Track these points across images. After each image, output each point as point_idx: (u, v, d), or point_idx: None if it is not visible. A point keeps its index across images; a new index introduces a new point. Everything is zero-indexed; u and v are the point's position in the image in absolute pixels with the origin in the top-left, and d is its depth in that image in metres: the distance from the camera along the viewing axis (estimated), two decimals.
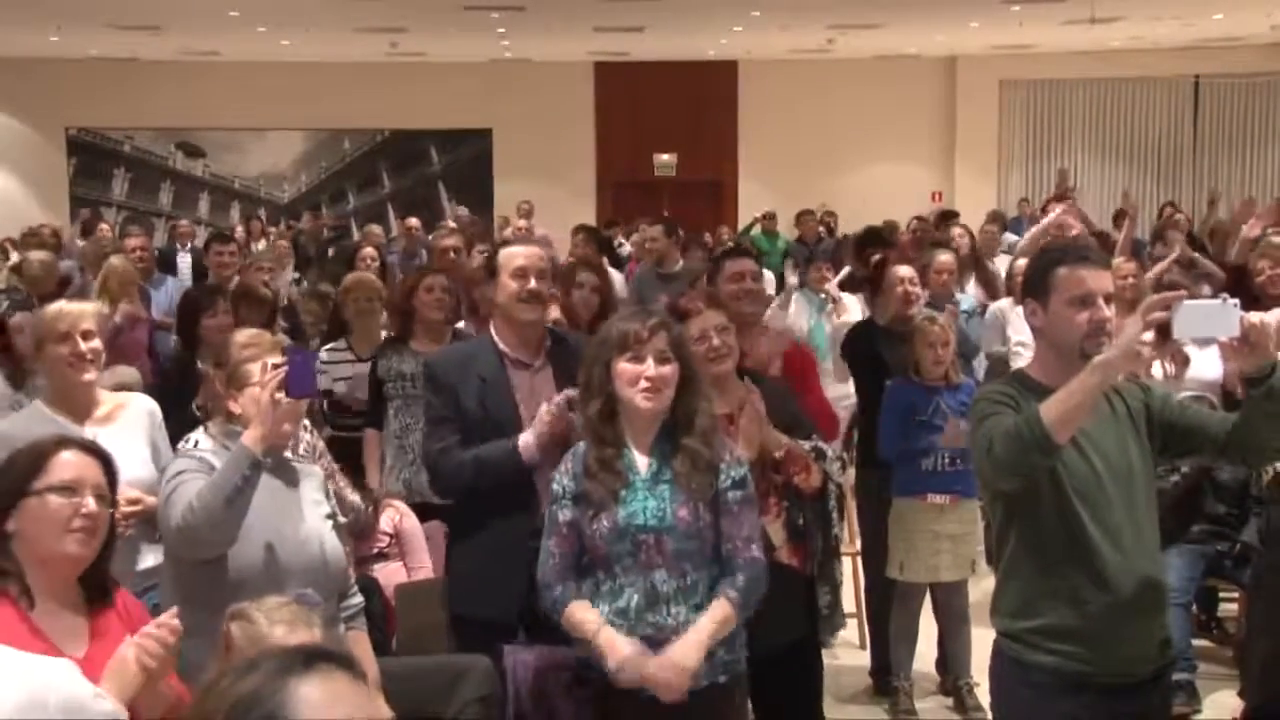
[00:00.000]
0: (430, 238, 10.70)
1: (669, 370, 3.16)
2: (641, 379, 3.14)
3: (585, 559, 3.20)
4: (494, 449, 3.70)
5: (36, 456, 2.66)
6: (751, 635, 3.73)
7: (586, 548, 3.17)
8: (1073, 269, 3.00)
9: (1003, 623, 3.13)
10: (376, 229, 13.35)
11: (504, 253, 3.97)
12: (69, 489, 2.61)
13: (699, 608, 3.14)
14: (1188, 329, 2.77)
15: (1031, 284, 3.11)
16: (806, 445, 3.85)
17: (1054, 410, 2.82)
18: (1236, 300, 2.78)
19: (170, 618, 2.52)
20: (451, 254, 7.35)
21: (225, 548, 3.09)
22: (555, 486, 3.24)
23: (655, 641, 3.10)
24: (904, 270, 5.60)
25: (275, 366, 3.13)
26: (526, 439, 3.66)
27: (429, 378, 3.96)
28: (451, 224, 12.31)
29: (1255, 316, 2.77)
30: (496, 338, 3.94)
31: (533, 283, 3.87)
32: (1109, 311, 2.99)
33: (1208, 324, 2.76)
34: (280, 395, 3.07)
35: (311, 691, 1.48)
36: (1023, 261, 7.24)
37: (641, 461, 3.19)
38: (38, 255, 7.99)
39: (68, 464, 2.65)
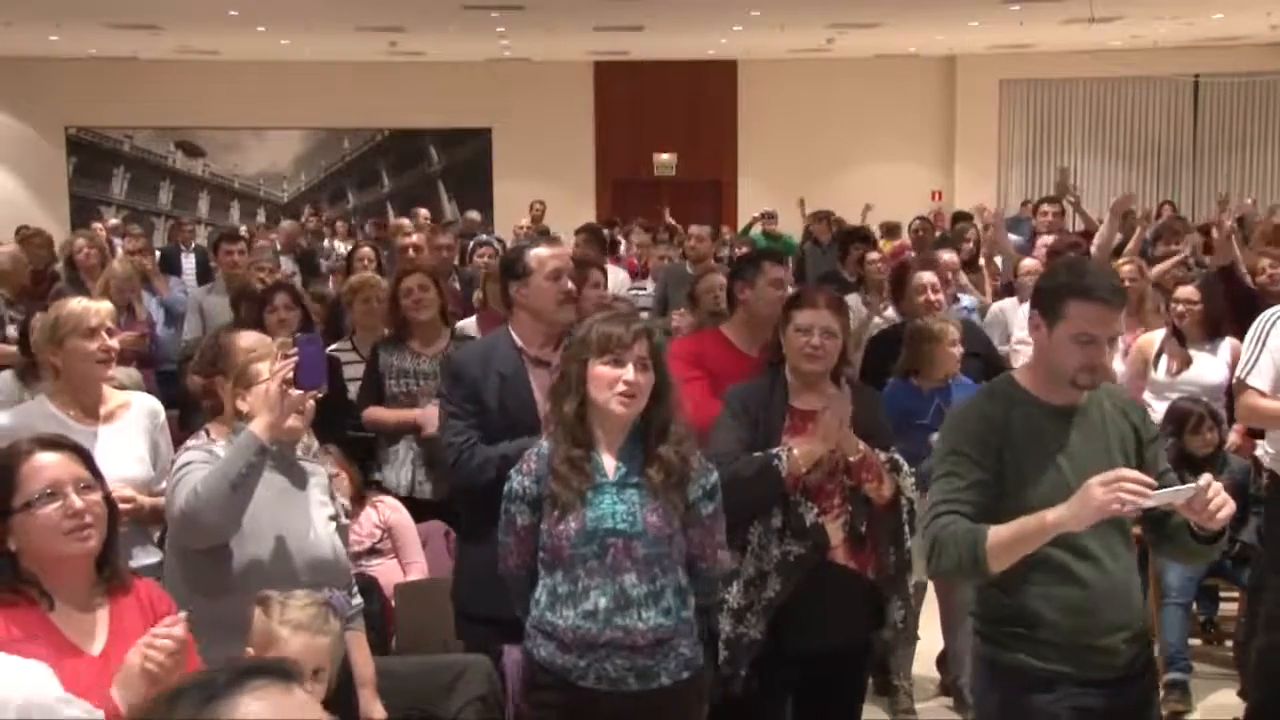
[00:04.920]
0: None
1: (646, 378, 3.13)
2: (620, 383, 3.11)
3: (543, 557, 3.17)
4: (519, 447, 3.66)
5: (6, 472, 2.59)
6: (805, 632, 3.75)
7: (549, 549, 3.14)
8: (1084, 304, 2.96)
9: (978, 623, 3.17)
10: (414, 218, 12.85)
11: (534, 255, 3.96)
12: (50, 495, 2.56)
13: (668, 612, 3.15)
14: (1156, 503, 2.80)
15: (1042, 300, 3.08)
16: (884, 456, 3.83)
17: (998, 549, 2.88)
18: (1208, 483, 2.79)
19: (175, 622, 2.50)
20: (411, 251, 7.38)
21: (228, 535, 3.08)
22: (515, 485, 3.20)
23: (624, 645, 3.10)
24: (927, 276, 5.55)
25: (286, 356, 3.12)
26: None
27: (451, 373, 3.99)
28: (405, 221, 12.01)
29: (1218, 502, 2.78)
30: (516, 336, 3.95)
31: (569, 284, 3.90)
32: (1108, 354, 3.02)
33: (1173, 499, 2.82)
34: (289, 386, 3.05)
35: (243, 715, 1.45)
36: (1029, 262, 7.28)
37: (609, 464, 3.17)
38: (7, 249, 7.97)
39: (40, 469, 2.59)
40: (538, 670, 3.18)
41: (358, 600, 3.46)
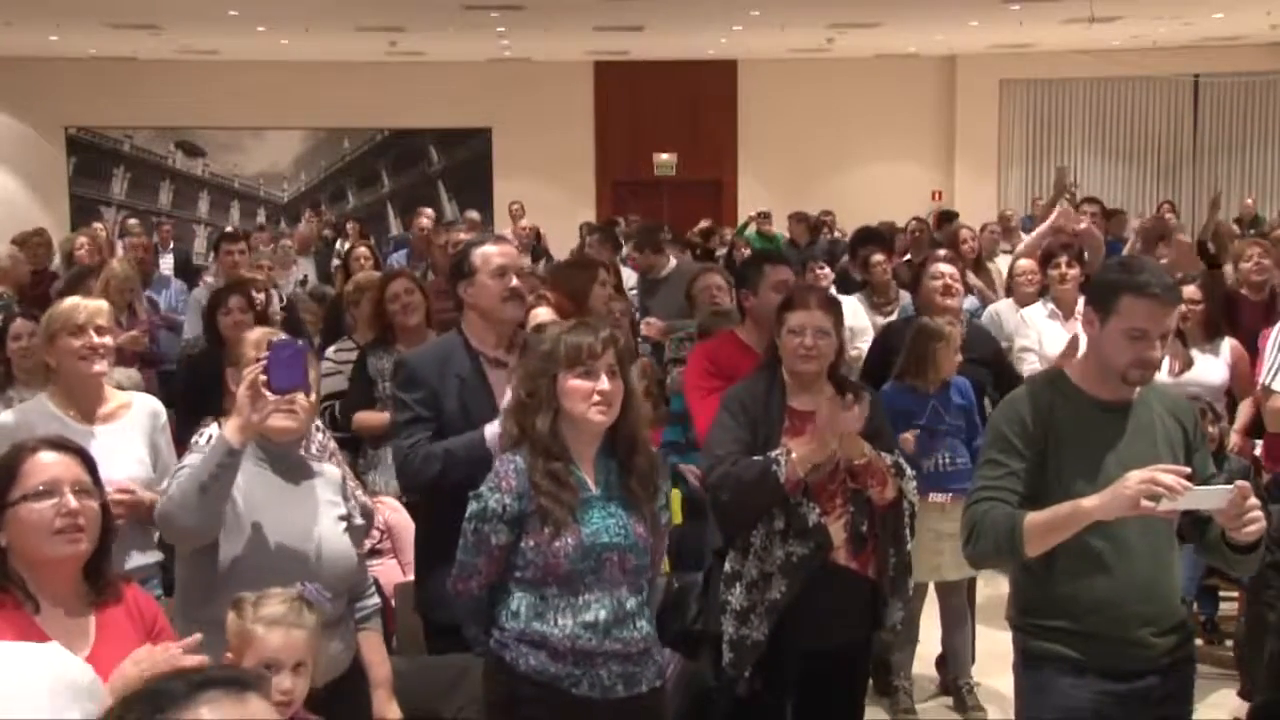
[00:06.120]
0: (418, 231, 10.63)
1: (617, 386, 3.13)
2: (594, 394, 3.09)
3: (522, 574, 3.12)
4: (460, 441, 3.68)
5: (8, 467, 2.62)
6: (804, 632, 3.77)
7: (538, 565, 3.08)
8: (1138, 300, 3.00)
9: (1014, 615, 3.23)
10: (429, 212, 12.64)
11: (479, 253, 3.91)
12: (46, 492, 2.58)
13: (650, 621, 3.19)
14: (1190, 503, 2.84)
15: (1096, 295, 3.13)
16: (888, 459, 3.84)
17: (1034, 533, 2.95)
18: (1243, 490, 2.82)
19: (191, 643, 2.51)
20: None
21: (205, 537, 3.06)
22: (490, 503, 3.10)
23: (623, 656, 3.10)
24: (945, 267, 5.52)
25: (257, 359, 3.12)
26: (495, 430, 3.57)
27: (406, 377, 3.90)
28: (426, 221, 11.94)
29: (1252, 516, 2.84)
30: (470, 336, 3.91)
31: (514, 281, 3.87)
32: (1160, 351, 3.04)
33: (1206, 499, 2.86)
34: (263, 388, 3.01)
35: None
36: (1024, 262, 7.27)
37: (589, 478, 3.16)
38: (7, 249, 8.00)
39: (41, 467, 2.61)
40: (521, 683, 3.11)
41: (374, 600, 3.44)
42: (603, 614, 3.08)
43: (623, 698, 3.12)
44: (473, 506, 3.14)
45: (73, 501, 2.59)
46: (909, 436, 4.87)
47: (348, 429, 5.43)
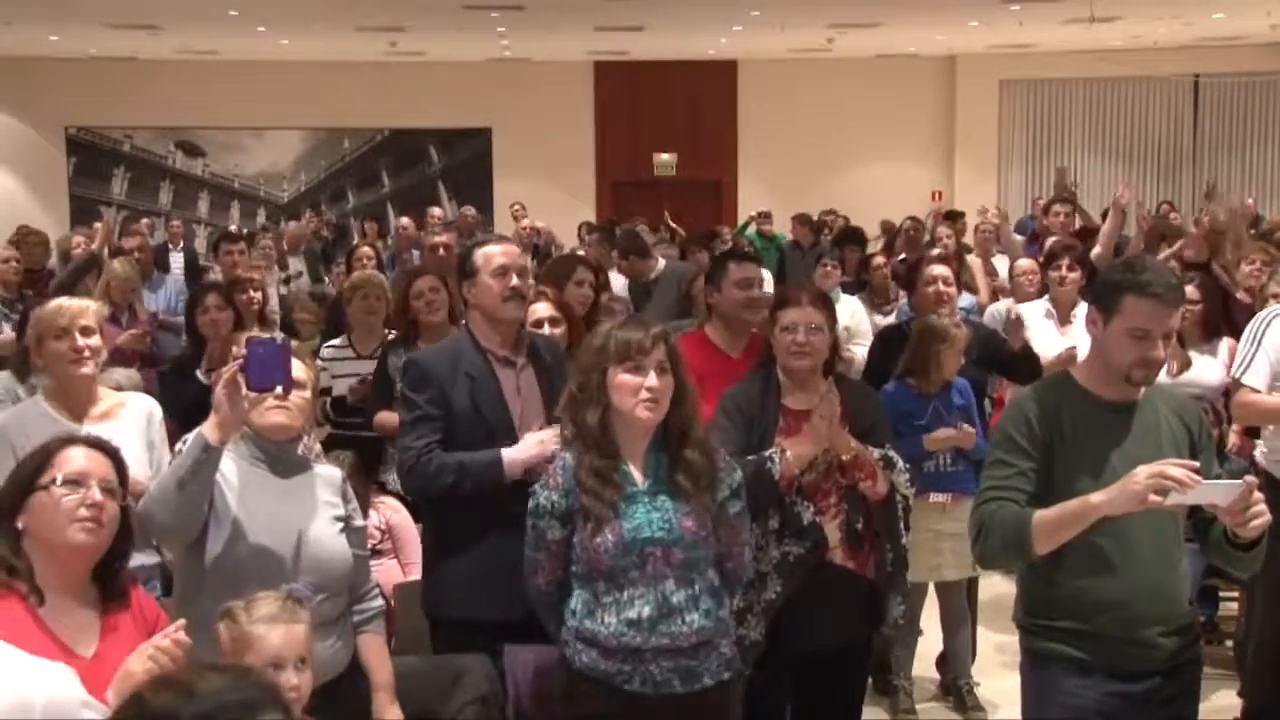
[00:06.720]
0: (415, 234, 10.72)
1: (666, 383, 3.14)
2: (643, 390, 3.11)
3: (576, 569, 3.15)
4: (478, 459, 3.67)
5: (44, 454, 2.69)
6: (802, 633, 3.76)
7: (584, 561, 3.11)
8: (1139, 300, 3.03)
9: (1021, 616, 3.24)
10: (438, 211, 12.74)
11: (481, 253, 3.93)
12: (74, 481, 2.63)
13: (708, 614, 3.15)
14: (1198, 497, 2.85)
15: (1100, 295, 3.15)
16: (876, 453, 3.83)
17: (1043, 530, 2.96)
18: (1251, 485, 2.84)
19: (177, 630, 2.51)
20: (441, 251, 7.38)
21: (183, 533, 3.06)
22: (542, 500, 3.17)
23: (669, 649, 3.09)
24: (938, 269, 5.49)
25: (234, 358, 3.11)
26: (513, 456, 3.63)
27: (416, 375, 3.88)
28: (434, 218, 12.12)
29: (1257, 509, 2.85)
30: (478, 335, 3.92)
31: (514, 280, 3.87)
32: (1163, 351, 3.06)
33: (1214, 494, 2.87)
34: (241, 387, 2.99)
35: None
36: (1025, 261, 7.27)
37: (637, 472, 3.17)
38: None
39: (74, 458, 2.68)
40: (577, 680, 3.14)
41: (378, 603, 3.43)
42: (646, 610, 3.07)
43: (681, 694, 3.11)
44: (530, 503, 3.20)
45: (98, 495, 2.64)
46: (970, 429, 4.93)
47: (368, 427, 5.44)
